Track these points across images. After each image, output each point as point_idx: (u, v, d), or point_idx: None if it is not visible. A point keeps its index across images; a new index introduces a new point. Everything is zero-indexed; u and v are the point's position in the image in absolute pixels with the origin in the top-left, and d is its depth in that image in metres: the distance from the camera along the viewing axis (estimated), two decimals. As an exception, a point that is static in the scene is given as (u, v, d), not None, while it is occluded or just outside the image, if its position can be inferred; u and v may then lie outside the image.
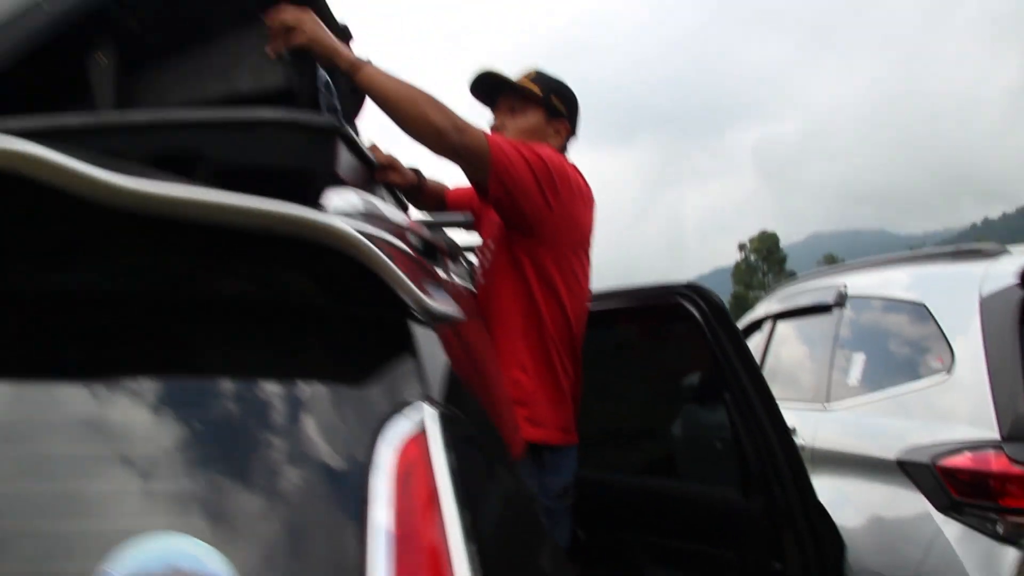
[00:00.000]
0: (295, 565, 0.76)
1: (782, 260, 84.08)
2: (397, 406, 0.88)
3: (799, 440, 3.43)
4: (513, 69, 2.40)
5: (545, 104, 2.34)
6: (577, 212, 2.22)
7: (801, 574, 2.08)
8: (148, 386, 0.87)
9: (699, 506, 2.38)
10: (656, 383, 2.81)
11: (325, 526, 0.78)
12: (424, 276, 1.16)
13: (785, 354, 4.21)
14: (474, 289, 2.29)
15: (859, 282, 3.59)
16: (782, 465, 2.15)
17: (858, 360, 3.26)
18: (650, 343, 2.79)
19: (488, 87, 2.41)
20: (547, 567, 1.52)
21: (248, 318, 0.93)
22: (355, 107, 2.62)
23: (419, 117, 1.90)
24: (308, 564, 0.76)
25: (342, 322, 0.95)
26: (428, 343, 1.03)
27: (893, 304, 3.17)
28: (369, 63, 1.92)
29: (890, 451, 2.68)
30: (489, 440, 1.42)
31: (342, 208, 1.30)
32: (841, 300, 3.58)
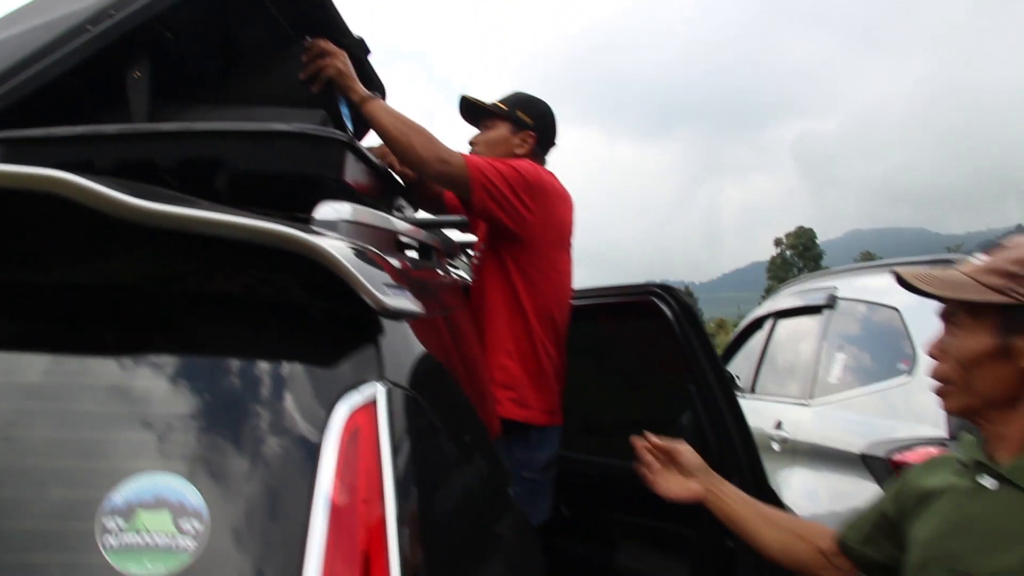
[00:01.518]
0: (257, 494, 1.00)
1: (818, 256, 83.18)
2: (354, 383, 1.12)
3: (784, 433, 3.63)
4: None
5: (510, 118, 2.61)
6: (555, 213, 2.48)
7: (750, 551, 2.28)
8: (154, 360, 1.11)
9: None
10: (629, 373, 3.02)
11: (285, 470, 1.02)
12: (396, 277, 1.38)
13: (781, 351, 4.40)
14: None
15: (848, 285, 3.77)
16: (739, 452, 2.36)
17: (839, 359, 3.45)
18: (626, 337, 3.00)
19: (470, 111, 2.72)
20: (507, 532, 1.75)
21: (240, 310, 1.17)
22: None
23: (407, 149, 2.24)
24: (269, 496, 1.00)
25: (316, 315, 1.19)
26: (393, 333, 1.26)
27: (873, 308, 3.35)
28: (376, 98, 2.25)
29: (855, 446, 2.88)
30: (459, 416, 1.65)
31: (331, 217, 1.52)
32: (831, 302, 3.76)
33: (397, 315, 1.26)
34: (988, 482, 1.28)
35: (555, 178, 2.52)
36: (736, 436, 2.37)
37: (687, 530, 2.54)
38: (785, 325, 4.44)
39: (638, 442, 1.66)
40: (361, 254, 1.28)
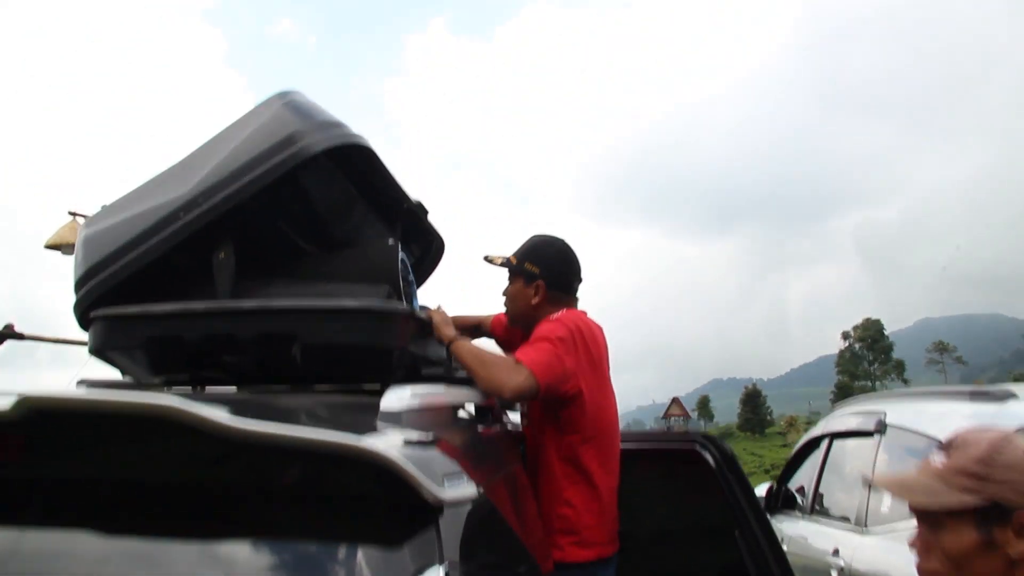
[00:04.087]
0: None
1: (888, 348, 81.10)
2: (418, 568, 1.28)
3: (841, 562, 3.67)
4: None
5: (520, 272, 2.83)
6: (589, 356, 2.64)
7: None
8: (250, 545, 1.30)
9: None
10: (676, 517, 3.13)
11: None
12: (455, 459, 1.56)
13: (837, 474, 4.45)
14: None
15: (897, 410, 3.84)
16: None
17: (891, 488, 3.50)
18: (671, 482, 3.12)
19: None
20: None
21: (321, 504, 1.36)
22: (428, 271, 3.13)
23: (487, 381, 2.45)
24: None
25: (386, 507, 1.37)
26: (453, 514, 1.43)
27: (919, 437, 3.41)
28: (462, 339, 2.53)
29: (911, 578, 2.92)
30: (515, 566, 1.80)
31: (395, 408, 1.71)
32: (880, 428, 3.83)
33: (454, 505, 1.43)
34: None
35: (578, 322, 2.68)
36: (779, 576, 2.46)
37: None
38: (840, 447, 4.50)
39: None
40: (422, 447, 1.46)
